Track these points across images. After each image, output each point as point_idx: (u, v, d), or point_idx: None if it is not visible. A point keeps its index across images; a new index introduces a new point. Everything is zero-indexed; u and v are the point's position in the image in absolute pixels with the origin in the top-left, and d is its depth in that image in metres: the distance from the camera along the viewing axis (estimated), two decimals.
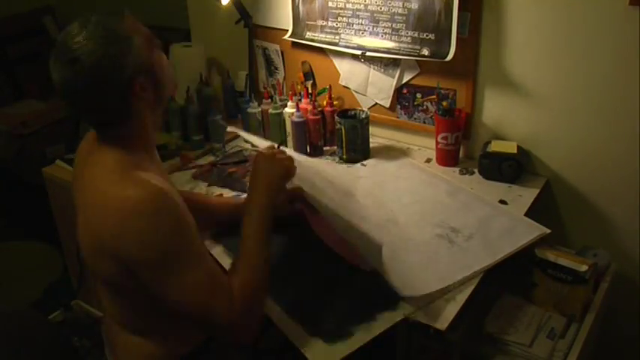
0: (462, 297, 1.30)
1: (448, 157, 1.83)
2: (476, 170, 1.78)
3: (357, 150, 1.87)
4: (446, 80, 1.81)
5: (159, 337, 1.24)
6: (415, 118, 1.94)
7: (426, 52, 1.77)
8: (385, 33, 1.84)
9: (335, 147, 1.93)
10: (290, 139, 1.97)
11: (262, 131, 2.03)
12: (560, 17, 1.57)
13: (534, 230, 1.50)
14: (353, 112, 1.89)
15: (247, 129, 2.04)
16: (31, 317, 1.39)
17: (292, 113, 1.91)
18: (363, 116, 1.86)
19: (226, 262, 1.39)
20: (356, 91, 2.03)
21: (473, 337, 1.41)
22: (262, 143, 1.45)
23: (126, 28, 1.09)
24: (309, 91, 1.98)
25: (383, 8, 1.81)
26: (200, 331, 1.29)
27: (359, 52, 1.90)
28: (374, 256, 1.29)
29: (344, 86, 2.04)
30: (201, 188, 1.77)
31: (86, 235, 1.14)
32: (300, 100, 1.96)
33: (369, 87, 1.98)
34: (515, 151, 1.72)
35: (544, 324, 1.44)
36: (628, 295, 1.75)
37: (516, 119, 1.75)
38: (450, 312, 1.26)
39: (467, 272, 1.36)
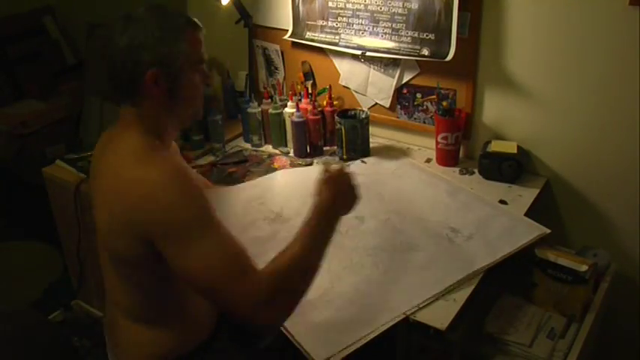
0: (462, 297, 1.30)
1: (448, 157, 1.83)
2: (476, 170, 1.78)
3: (357, 150, 1.87)
4: (446, 80, 1.81)
5: (166, 328, 1.24)
6: (415, 118, 1.94)
7: (426, 52, 1.77)
8: (385, 33, 1.84)
9: (335, 147, 1.93)
10: (290, 139, 1.98)
11: (262, 131, 2.03)
12: (560, 17, 1.57)
13: (534, 230, 1.50)
14: (353, 112, 1.89)
15: (247, 129, 2.05)
16: (31, 317, 1.39)
17: (292, 113, 1.91)
18: (363, 116, 1.86)
19: None
20: (356, 91, 2.03)
21: (473, 337, 1.41)
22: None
23: (172, 30, 1.14)
24: (309, 91, 1.98)
25: (383, 8, 1.81)
26: (207, 322, 1.29)
27: (359, 52, 1.90)
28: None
29: (344, 86, 2.04)
30: None
31: (108, 216, 1.14)
32: (300, 100, 1.96)
33: (369, 87, 1.98)
34: (515, 151, 1.72)
35: (544, 324, 1.44)
36: (628, 295, 1.75)
37: (516, 119, 1.75)
38: (450, 312, 1.26)
39: (467, 272, 1.36)
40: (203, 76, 1.23)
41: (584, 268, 1.40)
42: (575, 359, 1.34)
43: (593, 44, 1.55)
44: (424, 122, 1.92)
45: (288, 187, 1.76)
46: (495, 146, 1.75)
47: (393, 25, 1.81)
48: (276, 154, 1.99)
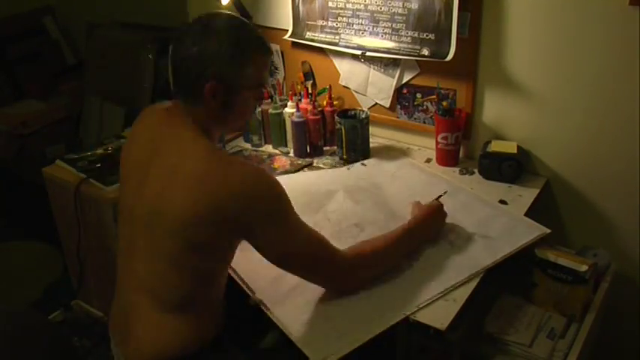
0: (462, 297, 1.30)
1: (448, 157, 1.83)
2: (476, 170, 1.78)
3: (357, 150, 1.87)
4: (446, 80, 1.81)
5: (193, 316, 1.24)
6: (415, 118, 1.94)
7: (426, 52, 1.77)
8: (385, 33, 1.84)
9: (335, 147, 1.93)
10: (290, 139, 1.98)
11: (262, 131, 2.03)
12: (560, 17, 1.57)
13: (534, 230, 1.50)
14: (353, 112, 1.89)
15: (247, 129, 2.05)
16: (31, 317, 1.39)
17: (292, 113, 1.91)
18: (363, 116, 1.86)
19: None
20: (356, 91, 2.03)
21: (473, 337, 1.41)
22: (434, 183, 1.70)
23: (243, 52, 1.19)
24: (309, 91, 1.99)
25: (383, 8, 1.81)
26: (220, 320, 1.30)
27: (359, 52, 1.90)
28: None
29: (344, 86, 2.04)
30: None
31: (191, 203, 1.15)
32: (300, 100, 1.96)
33: (369, 87, 1.98)
34: (515, 151, 1.72)
35: (544, 324, 1.44)
36: (628, 295, 1.75)
37: (516, 119, 1.75)
38: (450, 312, 1.26)
39: (467, 273, 1.36)
40: (259, 96, 1.30)
41: (584, 268, 1.40)
42: (575, 359, 1.33)
43: (594, 44, 1.55)
44: (424, 122, 1.92)
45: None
46: (495, 146, 1.75)
47: (393, 25, 1.81)
48: (276, 154, 1.99)
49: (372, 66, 1.95)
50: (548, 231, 1.49)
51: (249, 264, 1.42)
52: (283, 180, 1.75)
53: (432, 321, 1.24)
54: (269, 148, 2.04)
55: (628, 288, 1.74)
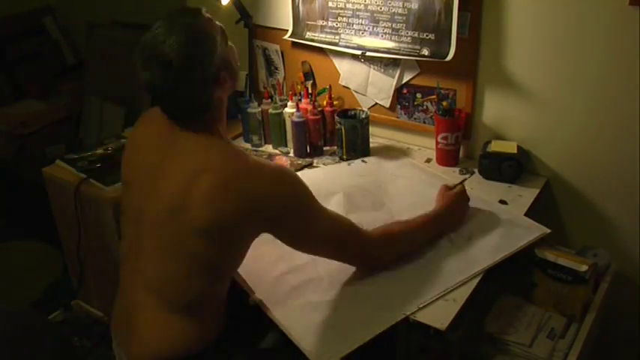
0: (462, 297, 1.30)
1: (448, 157, 1.83)
2: (476, 170, 1.78)
3: (357, 150, 1.87)
4: (446, 80, 1.81)
5: (197, 317, 1.24)
6: (415, 118, 1.94)
7: (426, 52, 1.77)
8: (385, 33, 1.84)
9: (335, 147, 1.93)
10: (290, 139, 1.98)
11: (262, 131, 2.03)
12: (560, 17, 1.57)
13: (534, 230, 1.50)
14: (353, 112, 1.89)
15: (247, 129, 2.05)
16: (31, 317, 1.39)
17: (292, 113, 1.91)
18: (363, 116, 1.86)
19: None
20: (356, 91, 2.03)
21: (473, 337, 1.41)
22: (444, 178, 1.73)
23: (207, 27, 1.21)
24: (309, 91, 1.99)
25: (383, 8, 1.81)
26: (222, 322, 1.30)
27: (359, 52, 1.90)
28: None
29: (344, 86, 2.04)
30: None
31: (211, 203, 1.17)
32: (300, 100, 1.96)
33: (369, 87, 1.98)
34: (515, 151, 1.72)
35: (544, 324, 1.44)
36: (628, 295, 1.75)
37: (516, 119, 1.75)
38: (450, 312, 1.26)
39: (467, 273, 1.36)
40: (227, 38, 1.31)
41: (584, 268, 1.40)
42: (575, 359, 1.34)
43: (594, 44, 1.55)
44: (424, 122, 1.92)
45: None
46: (495, 146, 1.75)
47: (393, 25, 1.81)
48: (276, 154, 1.99)
49: (372, 66, 1.95)
50: (548, 231, 1.49)
51: (249, 264, 1.42)
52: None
53: (432, 321, 1.24)
54: (269, 148, 2.04)
55: (628, 288, 1.74)
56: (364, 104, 2.01)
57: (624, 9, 1.47)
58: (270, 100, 1.99)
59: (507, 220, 1.54)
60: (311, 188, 1.28)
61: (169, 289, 1.24)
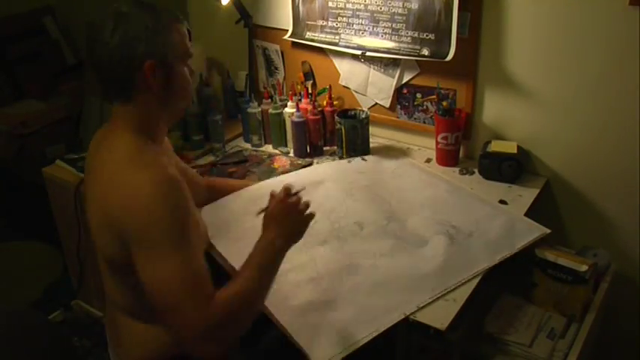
0: (462, 297, 1.30)
1: (448, 157, 1.83)
2: (476, 170, 1.78)
3: (357, 150, 1.87)
4: (446, 80, 1.81)
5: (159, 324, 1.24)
6: (415, 118, 1.94)
7: (426, 52, 1.77)
8: (385, 33, 1.84)
9: (335, 147, 1.93)
10: (290, 139, 1.98)
11: (262, 131, 2.03)
12: (560, 17, 1.57)
13: (534, 230, 1.50)
14: (353, 112, 1.89)
15: (247, 129, 2.05)
16: (31, 317, 1.38)
17: (292, 113, 1.91)
18: (363, 116, 1.86)
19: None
20: (356, 91, 2.03)
21: (473, 337, 1.41)
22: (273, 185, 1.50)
23: (163, 22, 1.16)
24: (309, 91, 1.99)
25: (383, 8, 1.81)
26: None
27: (359, 52, 1.90)
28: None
29: (344, 86, 2.04)
30: None
31: (95, 212, 1.17)
32: (300, 100, 1.96)
33: (369, 87, 1.98)
34: (515, 151, 1.72)
35: (544, 324, 1.44)
36: (628, 295, 1.75)
37: (516, 119, 1.75)
38: (450, 312, 1.26)
39: (467, 274, 1.36)
40: (190, 70, 1.25)
41: (584, 268, 1.40)
42: (575, 359, 1.34)
43: (594, 44, 1.55)
44: (424, 122, 1.92)
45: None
46: (495, 146, 1.75)
47: (393, 25, 1.81)
48: (276, 154, 1.99)
49: (372, 66, 1.95)
50: (548, 231, 1.49)
51: None
52: (284, 176, 1.77)
53: (432, 321, 1.24)
54: (269, 148, 2.04)
55: (628, 288, 1.74)
56: (364, 104, 2.01)
57: (624, 9, 1.47)
58: (270, 100, 1.99)
59: (507, 220, 1.54)
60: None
61: (122, 301, 1.26)
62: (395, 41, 1.82)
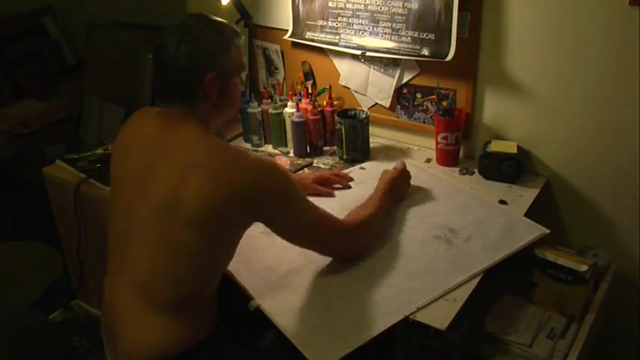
0: (462, 297, 1.30)
1: (448, 157, 1.83)
2: (476, 170, 1.78)
3: (357, 150, 1.87)
4: (446, 80, 1.81)
5: (185, 316, 1.24)
6: (415, 118, 1.94)
7: (426, 52, 1.77)
8: (385, 33, 1.84)
9: (335, 147, 1.93)
10: (290, 139, 1.98)
11: (262, 131, 2.03)
12: (560, 17, 1.57)
13: (534, 230, 1.50)
14: (353, 112, 1.89)
15: (247, 129, 2.05)
16: (31, 317, 1.39)
17: (292, 113, 1.91)
18: (363, 116, 1.86)
19: None
20: (356, 91, 2.03)
21: (473, 337, 1.41)
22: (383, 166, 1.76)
23: (225, 38, 1.28)
24: (309, 91, 1.99)
25: (383, 8, 1.81)
26: (212, 319, 1.30)
27: (359, 52, 1.90)
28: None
29: (344, 86, 2.04)
30: None
31: (202, 195, 1.19)
32: (300, 100, 1.96)
33: (369, 87, 1.98)
34: (515, 151, 1.72)
35: (544, 324, 1.44)
36: (628, 295, 1.75)
37: (516, 119, 1.75)
38: (450, 312, 1.26)
39: (467, 273, 1.36)
40: (242, 81, 1.37)
41: (584, 268, 1.40)
42: (575, 359, 1.34)
43: (594, 44, 1.55)
44: (424, 122, 1.92)
45: None
46: (495, 146, 1.75)
47: (393, 25, 1.81)
48: (276, 154, 1.99)
49: (372, 66, 1.95)
50: (548, 231, 1.49)
51: (249, 266, 1.43)
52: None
53: (432, 321, 1.24)
54: (269, 148, 2.04)
55: (628, 288, 1.74)
56: (364, 104, 2.01)
57: (624, 9, 1.47)
58: (270, 100, 1.99)
59: (507, 220, 1.54)
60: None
61: (159, 289, 1.24)
62: (395, 41, 1.82)
